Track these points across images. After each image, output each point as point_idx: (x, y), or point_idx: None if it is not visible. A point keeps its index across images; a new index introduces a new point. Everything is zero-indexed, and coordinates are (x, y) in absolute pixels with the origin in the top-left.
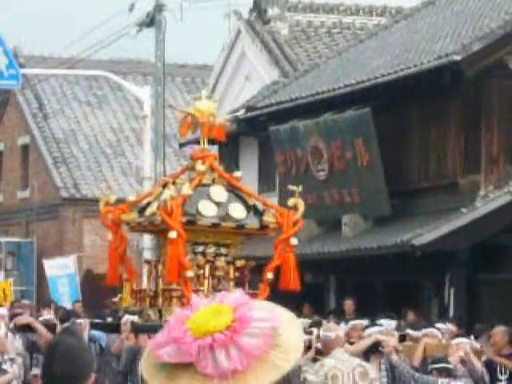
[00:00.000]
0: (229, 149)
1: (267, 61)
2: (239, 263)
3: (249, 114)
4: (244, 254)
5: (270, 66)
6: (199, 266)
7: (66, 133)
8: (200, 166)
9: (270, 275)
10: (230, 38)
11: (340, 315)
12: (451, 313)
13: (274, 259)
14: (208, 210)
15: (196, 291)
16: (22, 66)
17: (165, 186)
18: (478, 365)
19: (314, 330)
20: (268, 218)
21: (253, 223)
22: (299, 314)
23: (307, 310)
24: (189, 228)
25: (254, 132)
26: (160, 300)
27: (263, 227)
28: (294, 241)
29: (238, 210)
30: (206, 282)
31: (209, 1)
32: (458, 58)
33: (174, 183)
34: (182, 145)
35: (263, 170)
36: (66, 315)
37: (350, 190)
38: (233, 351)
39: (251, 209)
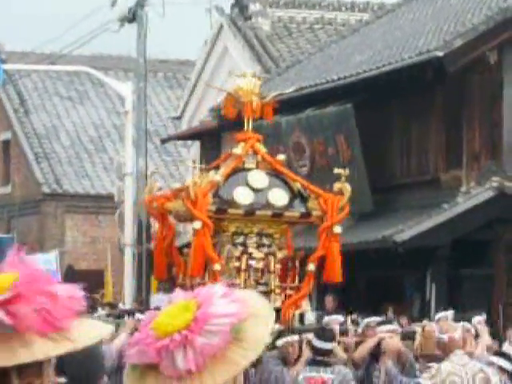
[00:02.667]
0: (211, 144)
1: (249, 57)
2: (281, 254)
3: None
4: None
5: (252, 62)
6: (237, 258)
7: (47, 128)
8: (237, 150)
9: (312, 266)
10: (211, 33)
11: (321, 311)
12: (432, 308)
13: (317, 249)
14: (243, 197)
15: (231, 285)
16: (3, 61)
17: (208, 171)
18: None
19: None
20: (312, 205)
21: (294, 210)
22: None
23: None
24: (221, 217)
25: (236, 128)
26: None
27: (306, 215)
28: (337, 229)
29: (278, 197)
30: (242, 274)
31: None
32: (440, 53)
33: (216, 168)
34: (163, 141)
35: None
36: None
37: (331, 185)
38: (189, 351)
39: (296, 195)
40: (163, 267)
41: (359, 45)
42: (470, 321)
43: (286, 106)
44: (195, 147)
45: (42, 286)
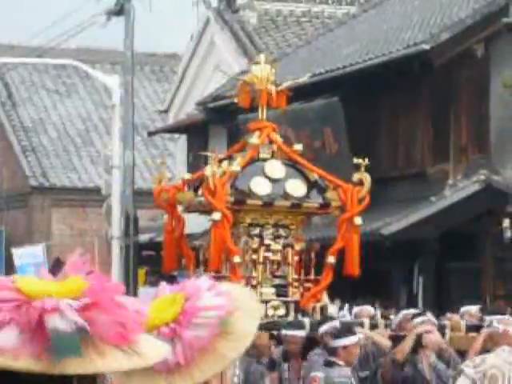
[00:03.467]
0: (198, 137)
1: (236, 49)
2: (298, 246)
3: (217, 103)
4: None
5: (239, 55)
6: (253, 250)
7: (34, 121)
8: (253, 139)
9: (331, 259)
10: (198, 26)
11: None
12: (420, 301)
13: (336, 241)
14: (261, 188)
15: (248, 278)
16: None
17: (220, 162)
18: None
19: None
20: (331, 195)
21: (312, 201)
22: None
23: None
24: (239, 208)
25: (223, 121)
26: None
27: (324, 205)
28: (358, 220)
29: (296, 187)
30: (259, 267)
31: None
32: (426, 47)
33: (229, 158)
34: (150, 134)
35: None
36: None
37: None
38: (177, 344)
39: (313, 185)
40: (173, 259)
41: (346, 38)
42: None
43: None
44: (182, 140)
45: (115, 296)
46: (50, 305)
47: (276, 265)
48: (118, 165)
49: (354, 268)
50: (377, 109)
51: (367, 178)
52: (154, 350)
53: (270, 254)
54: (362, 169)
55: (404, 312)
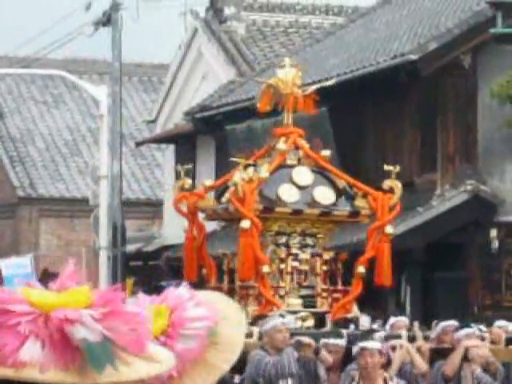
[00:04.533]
0: (185, 148)
1: (224, 60)
2: (327, 255)
3: (205, 113)
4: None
5: (227, 66)
6: (281, 260)
7: (22, 132)
8: (281, 145)
9: (361, 269)
10: (186, 37)
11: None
12: (408, 311)
13: (366, 250)
14: (289, 195)
15: (276, 288)
16: None
17: (245, 168)
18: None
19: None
20: (360, 203)
21: (342, 209)
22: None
23: None
24: (267, 216)
25: (211, 131)
26: (236, 299)
27: (354, 214)
28: (389, 229)
29: (324, 195)
30: (287, 277)
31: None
32: (414, 57)
33: (254, 165)
34: (138, 144)
35: (220, 169)
36: None
37: None
38: None
39: (341, 193)
40: (193, 268)
41: (334, 48)
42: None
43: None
44: (170, 151)
45: (124, 305)
46: (72, 316)
47: (303, 275)
48: (106, 175)
49: (385, 278)
50: (364, 119)
51: (398, 186)
52: (166, 356)
53: (297, 264)
54: (393, 176)
55: (443, 324)
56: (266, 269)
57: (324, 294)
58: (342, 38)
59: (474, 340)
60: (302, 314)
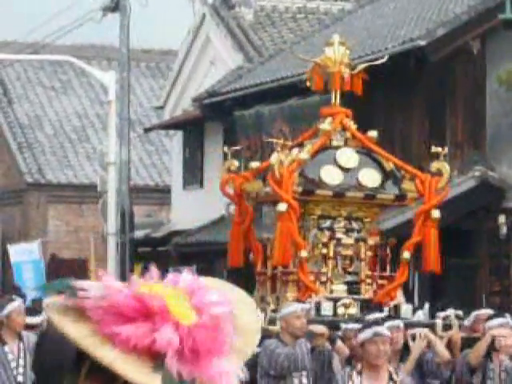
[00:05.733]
0: (194, 134)
1: (232, 46)
2: (372, 240)
3: (213, 99)
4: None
5: (235, 51)
6: (324, 244)
7: (30, 118)
8: (325, 125)
9: (407, 254)
10: (194, 23)
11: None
12: (416, 299)
13: (412, 235)
14: (332, 177)
15: (317, 274)
16: None
17: (290, 149)
18: None
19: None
20: (408, 186)
21: (387, 192)
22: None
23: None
24: (307, 199)
25: (219, 117)
26: (278, 285)
27: (400, 197)
28: (436, 213)
29: (370, 177)
30: (330, 262)
31: None
32: (422, 43)
33: (301, 145)
34: (146, 130)
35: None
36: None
37: None
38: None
39: (389, 175)
40: (239, 253)
41: (342, 34)
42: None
43: (269, 95)
44: (178, 137)
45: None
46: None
47: (349, 260)
48: (114, 161)
49: (434, 264)
50: (372, 105)
51: (446, 168)
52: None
53: (340, 249)
54: (441, 157)
55: (475, 313)
56: (303, 253)
57: (369, 281)
58: (351, 23)
59: (503, 329)
60: (346, 300)
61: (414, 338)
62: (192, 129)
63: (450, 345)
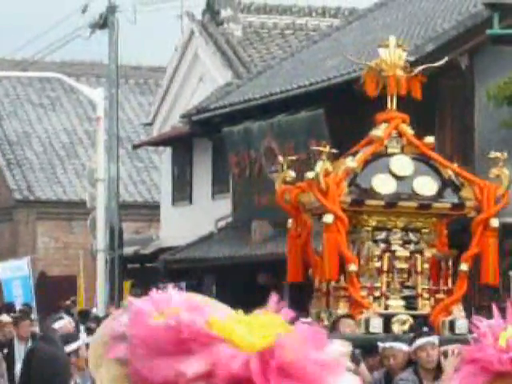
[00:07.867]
0: (182, 150)
1: (220, 62)
2: (429, 252)
3: (202, 116)
4: None
5: (224, 68)
6: (378, 257)
7: (19, 135)
8: (377, 132)
9: (465, 266)
10: (183, 39)
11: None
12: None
13: (471, 246)
14: (384, 186)
15: (370, 289)
16: None
17: (344, 158)
18: None
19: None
20: (467, 194)
21: (443, 201)
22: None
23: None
24: (357, 209)
25: (208, 133)
26: (331, 300)
27: (458, 206)
28: (495, 222)
29: (425, 185)
30: (384, 276)
31: (162, 2)
32: (411, 58)
33: (355, 154)
34: (135, 146)
35: (217, 172)
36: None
37: None
38: None
39: (447, 183)
40: (298, 268)
41: (330, 50)
42: None
43: (258, 111)
44: (167, 153)
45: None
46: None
47: (406, 274)
48: (103, 178)
49: (492, 276)
50: (361, 121)
51: (506, 174)
52: None
53: (396, 262)
54: (501, 164)
55: None
56: (352, 267)
57: (426, 295)
58: (339, 39)
59: None
60: (402, 316)
61: (445, 355)
62: (181, 145)
63: None
